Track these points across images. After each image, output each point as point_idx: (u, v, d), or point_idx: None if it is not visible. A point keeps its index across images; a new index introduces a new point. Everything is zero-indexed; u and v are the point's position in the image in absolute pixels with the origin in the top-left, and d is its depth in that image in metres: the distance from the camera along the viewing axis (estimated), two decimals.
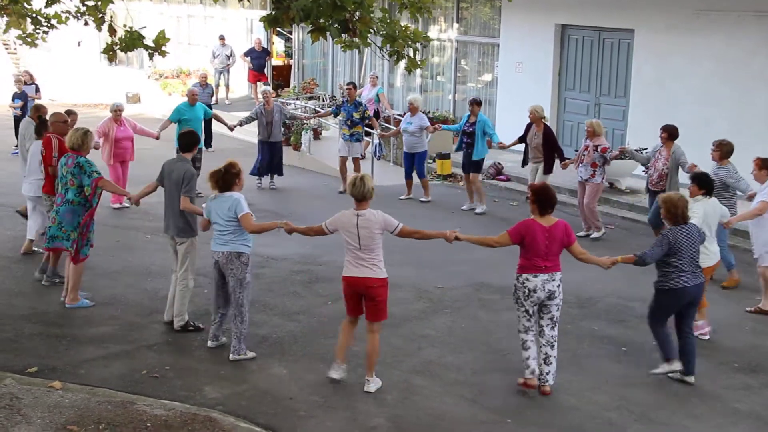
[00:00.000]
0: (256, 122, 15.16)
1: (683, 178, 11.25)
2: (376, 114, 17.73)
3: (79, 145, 8.87)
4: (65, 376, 7.26)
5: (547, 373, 7.31)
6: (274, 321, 8.70)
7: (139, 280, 10.03)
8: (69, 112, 11.50)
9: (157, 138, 14.24)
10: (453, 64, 19.35)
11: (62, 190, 8.93)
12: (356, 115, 14.74)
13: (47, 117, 10.61)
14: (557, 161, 12.78)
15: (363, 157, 15.84)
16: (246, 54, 23.71)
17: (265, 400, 7.03)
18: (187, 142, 8.63)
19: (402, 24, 8.01)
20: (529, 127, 12.87)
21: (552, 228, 7.14)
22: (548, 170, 12.69)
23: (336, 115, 15.42)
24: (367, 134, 16.40)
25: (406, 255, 10.75)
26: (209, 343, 8.08)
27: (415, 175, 14.48)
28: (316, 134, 18.51)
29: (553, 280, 7.17)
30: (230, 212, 7.58)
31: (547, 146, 12.59)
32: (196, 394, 7.09)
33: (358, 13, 7.44)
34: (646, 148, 12.68)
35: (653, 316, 7.65)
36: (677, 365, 7.55)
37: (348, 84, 15.46)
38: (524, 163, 13.11)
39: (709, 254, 8.35)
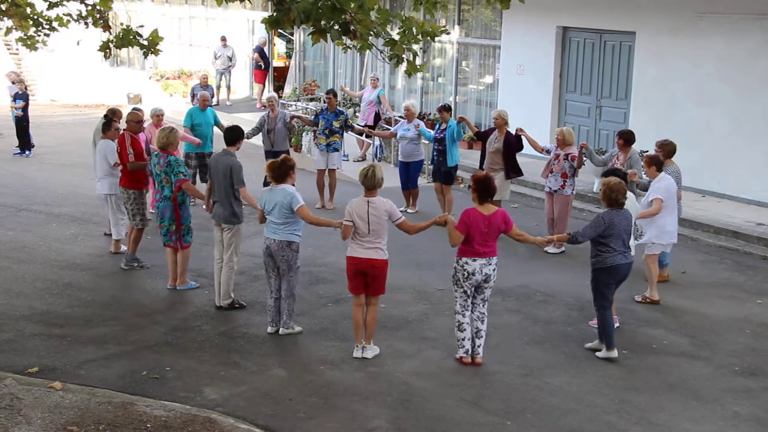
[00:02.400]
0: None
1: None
2: (377, 116, 17.73)
3: (164, 143, 9.42)
4: (65, 377, 7.27)
5: (479, 346, 7.90)
6: None
7: (139, 280, 10.04)
8: (113, 112, 11.73)
9: (198, 144, 14.05)
10: (454, 66, 19.36)
11: (158, 188, 9.50)
12: (336, 124, 13.99)
13: (113, 117, 11.09)
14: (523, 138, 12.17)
15: (362, 160, 15.70)
16: (259, 53, 23.62)
17: (265, 402, 7.03)
18: (232, 136, 9.14)
19: (418, 20, 7.96)
20: (491, 131, 12.46)
21: (491, 216, 7.67)
22: (508, 176, 12.16)
23: (316, 124, 14.40)
24: (368, 136, 16.37)
25: (407, 257, 10.77)
26: (269, 329, 8.44)
27: None
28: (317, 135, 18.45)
29: (490, 264, 7.73)
30: (284, 205, 8.10)
31: (506, 153, 12.13)
32: (196, 395, 7.09)
33: (358, 16, 7.42)
34: (647, 151, 12.62)
35: (596, 296, 8.12)
36: (615, 354, 8.02)
37: (328, 92, 14.68)
38: (480, 169, 12.48)
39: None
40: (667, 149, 10.19)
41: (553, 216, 11.64)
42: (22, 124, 18.41)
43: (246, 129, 15.43)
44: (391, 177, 16.03)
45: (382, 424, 6.72)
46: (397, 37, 7.74)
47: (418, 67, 8.08)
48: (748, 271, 10.96)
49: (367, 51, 8.04)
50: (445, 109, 13.18)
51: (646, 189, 10.14)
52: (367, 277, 7.80)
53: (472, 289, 7.78)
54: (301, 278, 8.68)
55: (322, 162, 14.16)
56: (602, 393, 7.39)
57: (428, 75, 20.28)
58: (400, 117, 17.91)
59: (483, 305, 7.88)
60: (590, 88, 16.36)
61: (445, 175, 13.03)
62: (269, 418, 6.74)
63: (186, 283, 9.69)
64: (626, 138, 10.91)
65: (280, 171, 8.17)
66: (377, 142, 16.65)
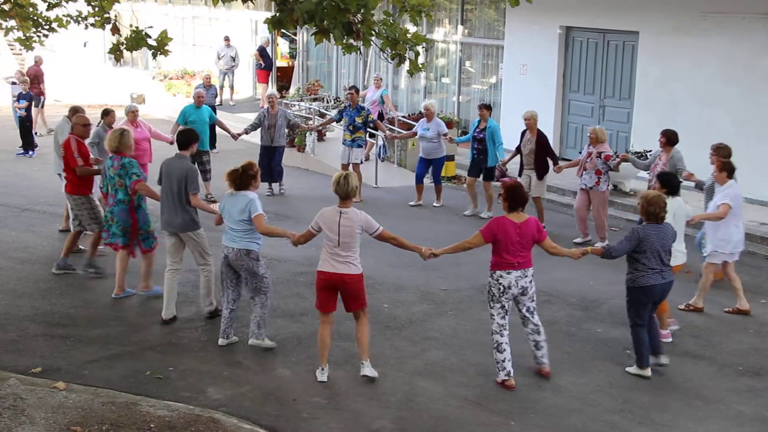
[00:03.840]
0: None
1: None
2: (380, 116, 17.71)
3: (116, 147, 9.06)
4: (69, 377, 7.27)
5: (542, 356, 7.59)
6: (277, 323, 8.70)
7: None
8: (106, 112, 11.74)
9: (172, 143, 14.09)
10: (457, 66, 19.35)
11: (112, 191, 9.17)
12: (359, 120, 14.20)
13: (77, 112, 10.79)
14: (551, 166, 12.46)
15: (366, 160, 15.74)
16: (260, 53, 23.62)
17: (269, 402, 7.03)
18: (184, 139, 8.79)
19: (403, 27, 7.99)
20: (523, 134, 12.55)
21: (523, 224, 7.30)
22: (541, 176, 12.36)
23: (339, 120, 14.89)
24: (372, 135, 16.37)
25: (410, 257, 10.71)
26: (220, 341, 8.10)
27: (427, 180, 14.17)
28: (321, 136, 18.51)
29: (526, 276, 7.36)
30: (243, 211, 7.76)
31: (539, 152, 12.30)
32: (200, 395, 7.09)
33: (360, 16, 7.42)
34: (650, 150, 12.63)
35: (629, 313, 7.79)
36: (648, 372, 7.69)
37: (350, 88, 14.93)
38: (520, 172, 12.61)
39: (676, 254, 8.39)
40: (723, 153, 9.95)
41: (583, 213, 11.86)
42: (25, 124, 18.43)
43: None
44: (395, 176, 16.13)
45: (386, 424, 6.71)
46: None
47: (420, 66, 8.08)
48: (752, 270, 10.94)
49: (371, 51, 8.04)
50: (486, 107, 13.20)
51: (700, 188, 10.38)
52: (339, 293, 7.32)
53: (510, 303, 7.41)
54: (272, 287, 8.17)
55: (345, 157, 14.41)
56: (606, 393, 7.38)
57: (431, 75, 20.27)
58: (403, 117, 17.97)
59: (533, 317, 7.49)
60: (593, 88, 16.34)
61: (486, 172, 13.13)
62: (273, 418, 6.73)
63: (150, 288, 9.34)
64: (668, 137, 10.86)
65: (242, 179, 7.83)
66: (380, 141, 16.64)
